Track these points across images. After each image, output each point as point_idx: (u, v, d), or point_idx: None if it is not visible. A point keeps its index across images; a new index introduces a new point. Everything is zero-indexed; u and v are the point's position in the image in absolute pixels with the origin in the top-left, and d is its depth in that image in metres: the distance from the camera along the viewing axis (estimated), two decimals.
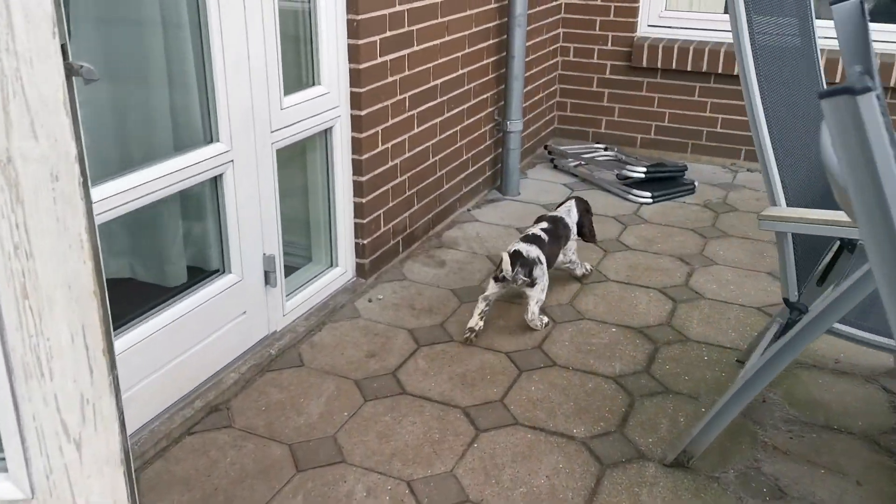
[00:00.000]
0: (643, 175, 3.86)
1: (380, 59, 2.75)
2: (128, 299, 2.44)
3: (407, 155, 3.04)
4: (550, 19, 4.22)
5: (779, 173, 1.72)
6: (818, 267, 1.99)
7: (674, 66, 4.19)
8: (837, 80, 3.87)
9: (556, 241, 2.77)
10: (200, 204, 2.36)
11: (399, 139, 2.97)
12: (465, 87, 3.41)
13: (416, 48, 2.95)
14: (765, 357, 1.79)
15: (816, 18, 2.16)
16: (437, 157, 3.28)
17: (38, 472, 1.12)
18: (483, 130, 3.67)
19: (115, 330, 2.04)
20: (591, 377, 2.40)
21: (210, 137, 2.20)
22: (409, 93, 2.98)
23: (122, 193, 1.92)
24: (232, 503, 1.88)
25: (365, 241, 2.87)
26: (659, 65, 4.22)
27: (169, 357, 2.14)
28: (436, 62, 3.12)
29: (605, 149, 4.38)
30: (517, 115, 3.71)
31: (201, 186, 2.24)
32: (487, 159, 3.78)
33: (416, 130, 3.08)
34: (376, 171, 2.86)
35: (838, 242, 2.13)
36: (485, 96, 3.60)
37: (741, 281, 3.02)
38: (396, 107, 2.91)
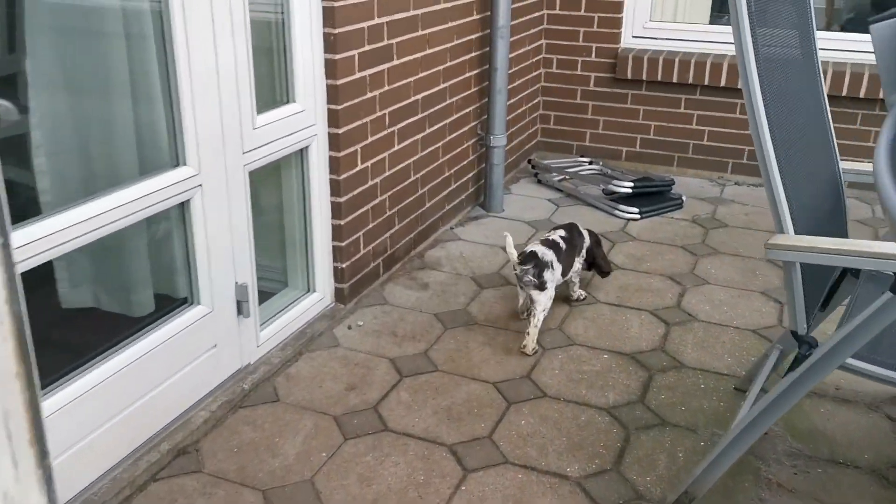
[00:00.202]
0: (630, 190, 3.76)
1: (358, 75, 2.62)
2: (91, 330, 2.30)
3: (387, 173, 2.91)
4: (533, 30, 4.11)
5: (786, 198, 1.61)
6: (824, 294, 1.88)
7: (659, 77, 4.09)
8: (843, 93, 3.78)
9: (572, 250, 2.74)
10: (168, 229, 2.22)
11: (379, 157, 2.84)
12: (447, 102, 3.29)
13: (395, 62, 2.83)
14: (771, 395, 1.67)
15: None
16: (418, 175, 3.16)
17: None
18: (466, 146, 3.55)
19: (73, 371, 1.90)
20: (583, 409, 2.28)
21: (177, 160, 2.06)
22: (390, 108, 2.85)
23: (80, 224, 1.78)
24: None
25: (344, 265, 2.74)
26: (644, 76, 4.12)
27: (132, 398, 1.99)
28: (417, 76, 3.00)
29: (590, 162, 4.28)
30: (501, 129, 3.59)
31: (168, 212, 2.09)
32: (470, 175, 3.66)
33: (396, 147, 2.95)
34: (355, 192, 2.72)
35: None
36: (467, 110, 3.48)
37: (734, 301, 2.91)
38: (376, 123, 2.78)
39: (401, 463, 2.04)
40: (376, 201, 2.87)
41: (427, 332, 2.66)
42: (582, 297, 2.88)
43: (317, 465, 2.02)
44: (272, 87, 2.43)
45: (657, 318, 2.79)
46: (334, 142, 2.59)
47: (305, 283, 2.70)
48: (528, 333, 2.53)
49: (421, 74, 3.02)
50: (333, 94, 2.53)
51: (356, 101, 2.63)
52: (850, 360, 1.69)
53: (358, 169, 2.72)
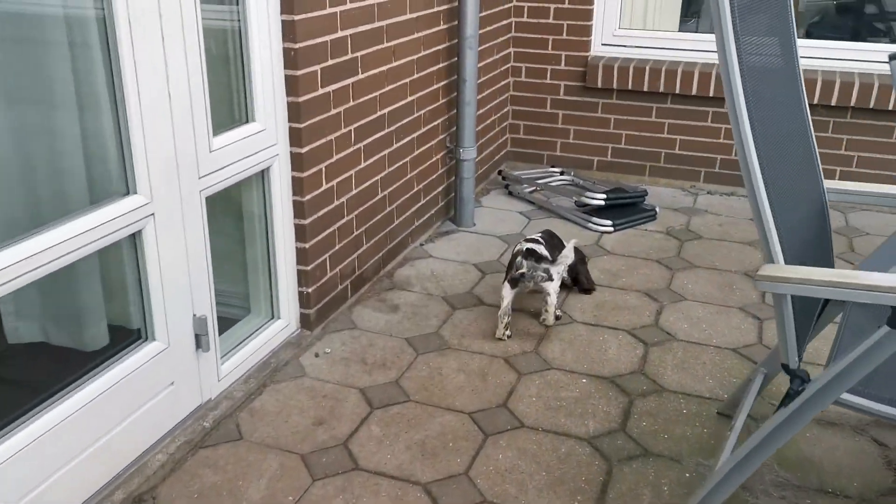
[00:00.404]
0: (603, 202, 3.68)
1: (321, 90, 2.50)
2: (39, 366, 2.15)
3: (354, 192, 2.79)
4: (500, 39, 4.01)
5: (775, 225, 1.53)
6: (813, 324, 1.81)
7: (630, 86, 4.02)
8: (815, 100, 3.73)
9: (553, 251, 2.72)
10: (120, 259, 2.08)
11: (345, 175, 2.72)
12: (415, 115, 3.17)
13: (361, 76, 2.71)
14: (762, 432, 1.59)
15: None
16: (386, 191, 3.04)
17: None
18: (435, 159, 3.44)
19: (20, 417, 1.75)
20: (563, 440, 2.18)
21: (126, 189, 1.92)
22: (355, 125, 2.73)
23: (22, 262, 1.63)
24: None
25: (310, 289, 2.61)
26: (614, 85, 4.05)
27: (83, 444, 1.84)
28: (383, 90, 2.88)
29: (561, 173, 4.20)
30: (471, 141, 3.49)
31: (119, 243, 1.95)
32: (440, 189, 3.55)
33: (363, 165, 2.83)
34: (320, 213, 2.60)
35: None
36: (436, 123, 3.38)
37: (712, 318, 2.84)
38: (341, 141, 2.66)
39: None
40: (343, 221, 2.75)
41: (398, 359, 2.55)
42: (558, 317, 2.79)
43: None
44: (229, 106, 2.30)
45: (635, 338, 2.70)
46: (297, 161, 2.46)
47: (269, 309, 2.57)
48: (546, 310, 2.70)
49: (387, 88, 2.91)
50: (295, 112, 2.41)
51: (320, 118, 2.51)
52: (844, 395, 1.61)
53: (323, 189, 2.59)
